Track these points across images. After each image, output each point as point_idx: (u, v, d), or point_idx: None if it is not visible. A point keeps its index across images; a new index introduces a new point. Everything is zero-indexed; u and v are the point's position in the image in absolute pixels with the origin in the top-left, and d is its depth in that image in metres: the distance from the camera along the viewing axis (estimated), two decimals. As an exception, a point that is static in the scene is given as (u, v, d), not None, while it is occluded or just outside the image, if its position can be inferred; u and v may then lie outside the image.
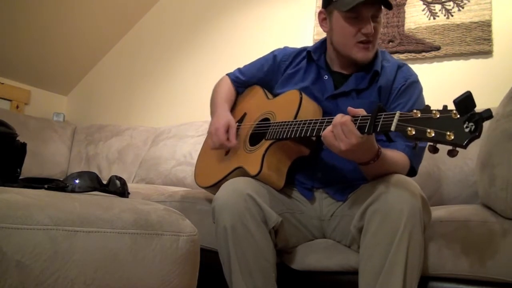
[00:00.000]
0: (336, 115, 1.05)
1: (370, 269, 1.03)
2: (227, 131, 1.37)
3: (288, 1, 2.67)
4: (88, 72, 3.39)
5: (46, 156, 2.71)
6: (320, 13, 1.37)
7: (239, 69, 1.59)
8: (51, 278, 0.64)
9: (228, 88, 1.56)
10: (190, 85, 2.94)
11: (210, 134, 1.41)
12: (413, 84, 1.31)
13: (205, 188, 1.46)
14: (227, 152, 1.44)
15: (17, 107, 3.06)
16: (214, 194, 1.22)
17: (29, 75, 3.09)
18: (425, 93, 1.34)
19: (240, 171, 1.30)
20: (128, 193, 1.02)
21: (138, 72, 3.19)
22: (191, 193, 1.70)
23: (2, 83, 2.97)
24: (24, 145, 1.01)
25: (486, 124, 0.83)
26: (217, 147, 1.39)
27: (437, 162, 1.66)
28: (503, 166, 1.12)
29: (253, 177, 1.23)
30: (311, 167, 1.32)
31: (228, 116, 1.42)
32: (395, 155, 1.17)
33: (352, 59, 1.31)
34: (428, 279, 1.14)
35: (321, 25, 1.38)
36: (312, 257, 1.25)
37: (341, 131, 1.01)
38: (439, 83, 2.09)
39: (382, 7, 1.27)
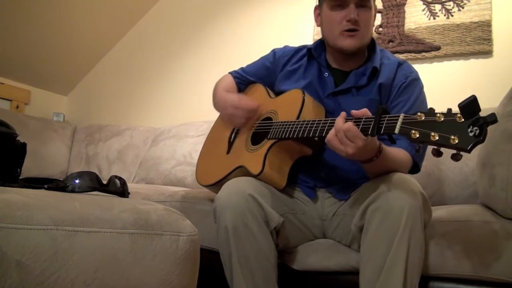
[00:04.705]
0: (337, 116, 1.05)
1: (371, 267, 1.02)
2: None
3: (288, 1, 2.67)
4: (88, 72, 3.39)
5: (46, 156, 2.70)
6: (315, 9, 1.43)
7: (241, 68, 1.60)
8: (51, 278, 0.64)
9: (229, 83, 1.57)
10: (190, 85, 2.94)
11: (231, 115, 1.41)
12: (414, 82, 1.31)
13: (206, 186, 1.46)
14: (228, 151, 1.44)
15: (17, 107, 3.06)
16: (215, 192, 1.21)
17: (29, 75, 3.09)
18: (425, 94, 1.34)
19: (241, 170, 1.30)
20: (128, 193, 1.02)
21: (138, 72, 3.18)
22: (191, 193, 1.70)
23: (2, 83, 2.97)
24: (24, 145, 1.01)
25: (487, 125, 0.83)
26: (245, 119, 1.37)
27: (437, 162, 1.65)
28: (503, 166, 1.12)
29: (255, 176, 1.23)
30: (314, 167, 1.32)
31: (233, 94, 1.46)
32: (397, 152, 1.17)
33: (340, 49, 1.32)
34: (428, 279, 1.14)
35: (316, 21, 1.43)
36: (313, 257, 1.25)
37: (345, 136, 1.01)
38: (439, 83, 2.09)
39: None
